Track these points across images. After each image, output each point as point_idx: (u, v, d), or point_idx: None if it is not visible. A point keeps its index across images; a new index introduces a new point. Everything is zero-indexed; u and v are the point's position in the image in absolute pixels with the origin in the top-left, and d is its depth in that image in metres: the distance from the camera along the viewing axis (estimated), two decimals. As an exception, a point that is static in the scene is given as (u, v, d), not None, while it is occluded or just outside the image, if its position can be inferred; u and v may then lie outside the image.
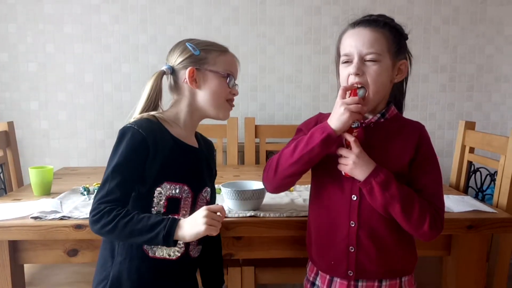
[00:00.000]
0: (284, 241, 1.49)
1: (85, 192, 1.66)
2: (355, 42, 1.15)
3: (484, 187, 2.03)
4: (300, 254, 1.45)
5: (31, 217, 1.38)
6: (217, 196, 1.66)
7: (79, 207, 1.49)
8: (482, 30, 2.90)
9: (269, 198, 1.59)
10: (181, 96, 1.25)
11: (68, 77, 2.80)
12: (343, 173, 1.15)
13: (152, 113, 1.21)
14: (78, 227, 1.34)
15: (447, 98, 2.94)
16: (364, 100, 1.13)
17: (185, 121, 1.25)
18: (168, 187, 1.16)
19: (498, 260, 1.71)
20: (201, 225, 1.07)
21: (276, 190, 1.26)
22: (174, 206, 1.17)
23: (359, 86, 1.14)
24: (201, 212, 1.09)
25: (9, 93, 2.78)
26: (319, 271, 1.25)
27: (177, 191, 1.17)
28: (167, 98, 1.28)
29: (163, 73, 1.25)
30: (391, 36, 1.15)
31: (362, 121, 1.18)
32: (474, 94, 2.94)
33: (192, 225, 1.08)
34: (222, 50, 1.26)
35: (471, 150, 2.07)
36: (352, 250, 1.17)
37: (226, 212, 1.46)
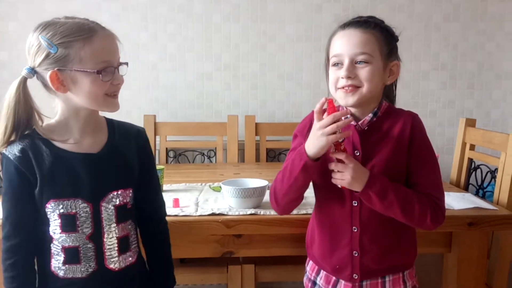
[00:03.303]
0: (285, 239, 1.49)
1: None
2: (345, 44, 1.13)
3: (485, 184, 2.04)
4: (301, 252, 1.45)
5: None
6: (217, 194, 1.66)
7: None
8: (482, 27, 2.89)
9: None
10: (58, 100, 1.08)
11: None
12: (340, 186, 1.12)
13: (40, 125, 1.06)
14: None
15: (447, 96, 2.93)
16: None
17: (74, 126, 1.08)
18: (56, 204, 1.05)
19: (499, 257, 1.71)
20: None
21: (286, 213, 1.29)
22: (69, 222, 1.06)
23: (348, 116, 1.10)
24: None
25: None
26: (323, 272, 1.26)
27: (68, 207, 1.05)
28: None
29: (24, 79, 1.05)
30: (382, 37, 1.14)
31: (356, 123, 1.18)
32: (474, 91, 2.93)
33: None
34: (86, 37, 1.01)
35: (472, 147, 2.07)
36: (356, 255, 1.18)
37: (227, 209, 1.46)
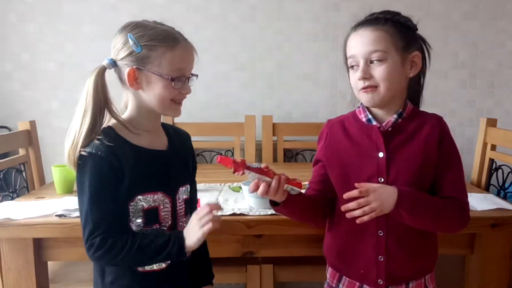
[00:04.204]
0: (305, 239, 1.49)
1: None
2: (357, 45, 1.13)
3: (506, 185, 2.01)
4: (321, 253, 1.44)
5: (56, 215, 1.40)
6: (237, 194, 1.66)
7: (101, 205, 1.51)
8: (502, 26, 2.85)
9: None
10: (130, 95, 1.14)
11: (87, 76, 2.82)
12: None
13: (110, 124, 1.11)
14: (101, 224, 1.36)
15: (467, 95, 2.89)
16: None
17: (143, 124, 1.14)
18: (142, 199, 1.10)
19: (522, 259, 1.68)
20: (198, 231, 1.08)
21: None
22: (152, 216, 1.12)
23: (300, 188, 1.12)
24: (193, 221, 1.10)
25: (30, 92, 2.82)
26: (345, 278, 1.24)
27: (152, 201, 1.12)
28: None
29: (104, 69, 1.11)
30: (395, 31, 1.12)
31: (379, 125, 1.17)
32: (495, 90, 2.89)
33: (192, 233, 1.08)
34: (170, 45, 1.08)
35: (493, 147, 2.04)
36: (382, 259, 1.17)
37: (247, 210, 1.46)
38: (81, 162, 1.07)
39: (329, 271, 1.30)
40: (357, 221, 1.06)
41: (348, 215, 1.07)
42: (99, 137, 1.07)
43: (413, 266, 1.18)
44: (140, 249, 1.06)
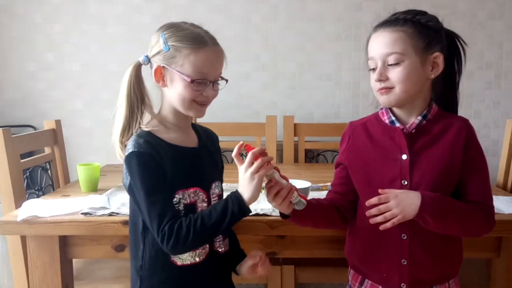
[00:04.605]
0: (328, 241, 1.48)
1: (131, 189, 1.69)
2: (376, 46, 1.12)
3: (534, 188, 1.97)
4: (343, 254, 1.43)
5: (81, 213, 1.42)
6: (260, 194, 1.66)
7: (126, 203, 1.52)
8: (530, 25, 2.79)
9: (312, 197, 1.57)
10: (161, 93, 1.19)
11: (111, 76, 2.86)
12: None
13: (144, 128, 1.15)
14: (126, 223, 1.37)
15: (493, 96, 2.84)
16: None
17: (173, 121, 1.18)
18: (182, 195, 1.13)
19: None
20: (251, 182, 1.06)
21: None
22: (191, 211, 1.14)
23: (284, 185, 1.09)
24: (241, 176, 1.08)
25: (55, 92, 2.87)
26: (368, 281, 1.23)
27: (191, 196, 1.15)
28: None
29: (139, 64, 1.17)
30: (415, 31, 1.10)
31: (402, 126, 1.15)
32: (521, 91, 2.84)
33: (246, 187, 1.07)
34: (195, 47, 1.11)
35: (520, 149, 2.01)
36: (405, 263, 1.15)
37: (270, 210, 1.46)
38: (127, 164, 1.10)
39: (351, 273, 1.29)
40: (380, 227, 1.05)
41: (371, 221, 1.06)
42: (138, 136, 1.12)
43: (437, 270, 1.16)
44: (204, 222, 1.06)
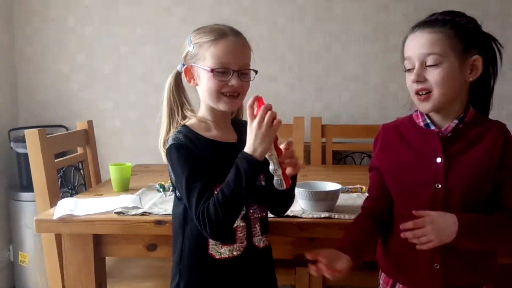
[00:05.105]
0: (358, 243, 1.47)
1: (161, 189, 1.72)
2: (414, 47, 1.12)
3: None
4: (373, 257, 1.42)
5: (115, 212, 1.45)
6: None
7: (157, 203, 1.55)
8: None
9: (342, 199, 1.58)
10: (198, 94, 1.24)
11: (139, 77, 2.90)
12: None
13: (184, 122, 1.20)
14: (159, 222, 1.40)
15: (525, 97, 2.78)
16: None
17: (212, 119, 1.22)
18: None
19: None
20: (258, 134, 1.06)
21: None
22: None
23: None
24: (248, 132, 1.08)
25: (86, 93, 2.92)
26: (399, 284, 1.22)
27: None
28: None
29: (175, 73, 1.24)
30: (455, 33, 1.09)
31: (437, 130, 1.14)
32: (555, 92, 2.77)
33: (254, 140, 1.06)
34: (213, 39, 1.15)
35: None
36: (437, 267, 1.14)
37: (300, 212, 1.46)
38: (168, 156, 1.16)
39: (382, 277, 1.28)
40: (417, 247, 1.05)
41: (408, 239, 1.06)
42: (178, 131, 1.17)
43: (470, 276, 1.15)
44: (225, 192, 1.07)
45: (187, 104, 1.23)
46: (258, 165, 1.08)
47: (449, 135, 1.14)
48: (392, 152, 1.21)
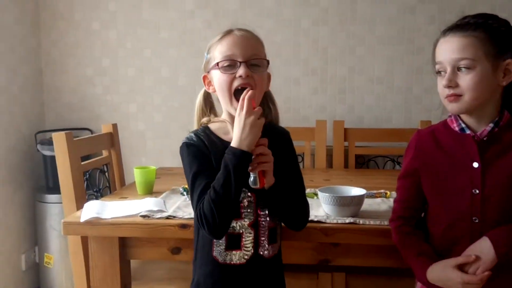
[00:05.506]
0: (384, 249, 1.45)
1: (185, 193, 1.73)
2: (445, 52, 1.10)
3: None
4: (398, 264, 1.40)
5: (140, 216, 1.47)
6: (312, 200, 1.65)
7: (181, 207, 1.56)
8: None
9: (366, 205, 1.56)
10: None
11: (163, 80, 2.93)
12: None
13: (207, 124, 1.24)
14: (183, 226, 1.41)
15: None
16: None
17: (231, 122, 1.19)
18: None
19: None
20: (241, 124, 1.08)
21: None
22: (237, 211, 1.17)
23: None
24: (241, 117, 1.09)
25: (110, 96, 2.96)
26: None
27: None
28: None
29: (204, 91, 1.28)
30: (487, 37, 1.07)
31: (473, 134, 1.12)
32: None
33: (241, 132, 1.08)
34: (219, 38, 1.19)
35: None
36: None
37: (324, 217, 1.45)
38: (180, 154, 1.21)
39: (418, 286, 1.26)
40: None
41: None
42: (193, 132, 1.22)
43: (506, 282, 1.12)
44: (215, 188, 1.08)
45: (214, 117, 1.26)
46: (245, 155, 1.08)
47: (485, 139, 1.12)
48: (428, 157, 1.19)
